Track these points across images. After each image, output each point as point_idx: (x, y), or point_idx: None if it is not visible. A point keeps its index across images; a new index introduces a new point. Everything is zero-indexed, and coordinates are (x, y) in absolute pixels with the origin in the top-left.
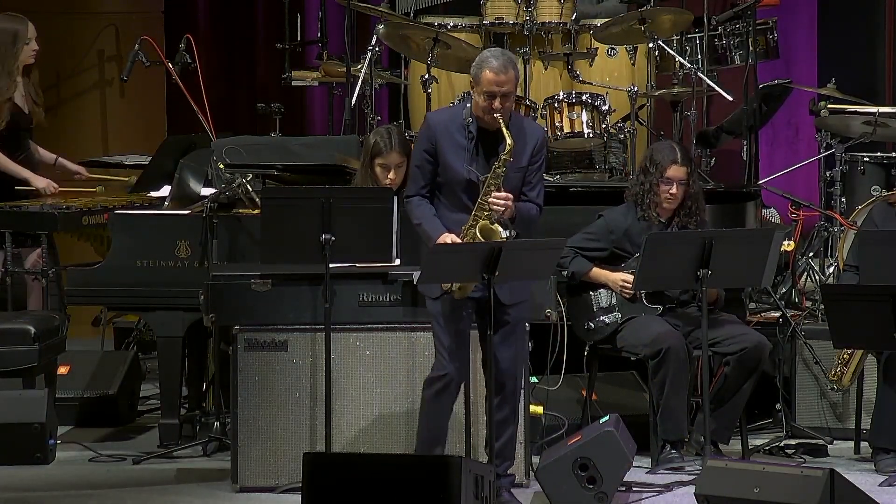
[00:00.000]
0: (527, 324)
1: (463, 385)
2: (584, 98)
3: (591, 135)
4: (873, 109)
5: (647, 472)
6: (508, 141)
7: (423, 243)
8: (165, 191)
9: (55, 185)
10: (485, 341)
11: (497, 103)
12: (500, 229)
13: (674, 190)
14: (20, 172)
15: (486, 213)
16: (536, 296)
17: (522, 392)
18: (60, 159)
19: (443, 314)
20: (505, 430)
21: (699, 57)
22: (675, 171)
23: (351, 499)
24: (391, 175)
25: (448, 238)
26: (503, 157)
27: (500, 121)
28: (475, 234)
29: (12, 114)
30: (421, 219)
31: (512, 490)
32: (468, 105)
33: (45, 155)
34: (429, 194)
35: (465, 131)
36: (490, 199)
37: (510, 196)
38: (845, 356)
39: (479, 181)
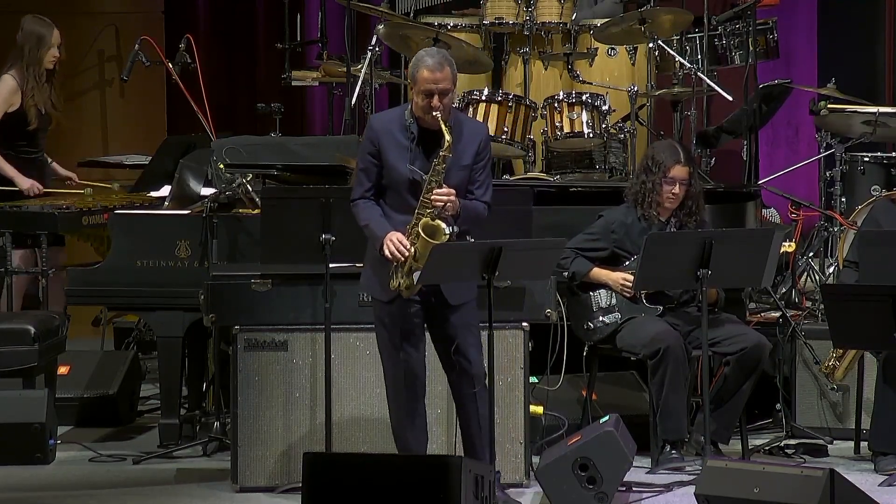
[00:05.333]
0: (526, 324)
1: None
2: (584, 98)
3: (591, 135)
4: (873, 109)
5: (647, 472)
6: (447, 137)
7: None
8: (165, 191)
9: (39, 187)
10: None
11: (435, 101)
12: (443, 225)
13: (676, 190)
14: (7, 171)
15: (428, 211)
16: (536, 296)
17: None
18: (53, 164)
19: (389, 316)
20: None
21: (699, 57)
22: (678, 170)
23: (351, 499)
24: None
25: (395, 236)
26: (442, 153)
27: (439, 118)
28: (419, 231)
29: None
30: (368, 220)
31: (512, 490)
32: (410, 106)
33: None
34: (374, 196)
35: (407, 132)
36: (432, 196)
37: (452, 191)
38: (839, 351)
39: (422, 180)
